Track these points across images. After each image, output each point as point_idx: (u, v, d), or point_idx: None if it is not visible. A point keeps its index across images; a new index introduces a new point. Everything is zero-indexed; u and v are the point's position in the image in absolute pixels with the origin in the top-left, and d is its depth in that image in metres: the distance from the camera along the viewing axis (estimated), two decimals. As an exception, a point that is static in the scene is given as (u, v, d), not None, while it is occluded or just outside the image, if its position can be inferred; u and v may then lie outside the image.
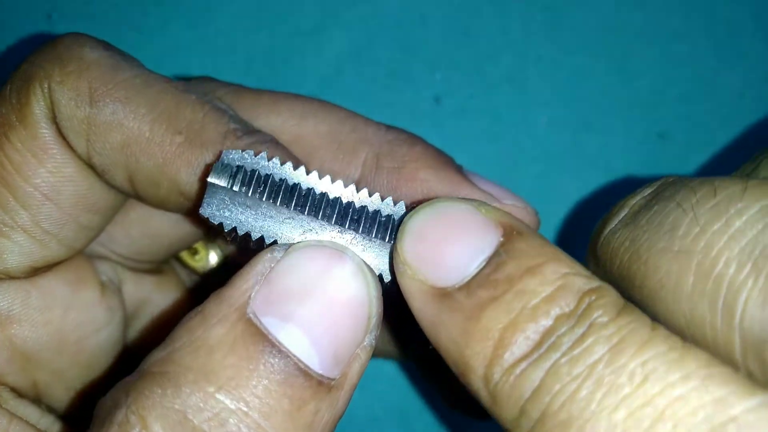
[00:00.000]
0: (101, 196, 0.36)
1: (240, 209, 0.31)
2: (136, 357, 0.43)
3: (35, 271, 0.36)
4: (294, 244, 0.30)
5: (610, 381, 0.23)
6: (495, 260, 0.27)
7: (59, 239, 0.36)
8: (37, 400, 0.37)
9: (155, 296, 0.43)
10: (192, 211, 0.35)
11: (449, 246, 0.28)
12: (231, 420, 0.26)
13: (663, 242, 0.24)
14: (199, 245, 0.45)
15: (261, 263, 0.29)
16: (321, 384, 0.28)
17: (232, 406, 0.26)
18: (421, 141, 0.37)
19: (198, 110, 0.34)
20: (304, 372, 0.27)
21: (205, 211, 0.31)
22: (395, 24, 0.59)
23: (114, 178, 0.35)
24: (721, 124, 0.57)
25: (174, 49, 0.59)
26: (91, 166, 0.35)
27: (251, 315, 0.28)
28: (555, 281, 0.25)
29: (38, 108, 0.34)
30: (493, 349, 0.25)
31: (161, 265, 0.45)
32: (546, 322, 0.25)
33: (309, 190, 0.31)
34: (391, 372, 0.56)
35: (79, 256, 0.39)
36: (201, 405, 0.26)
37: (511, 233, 0.27)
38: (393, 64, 0.58)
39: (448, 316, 0.27)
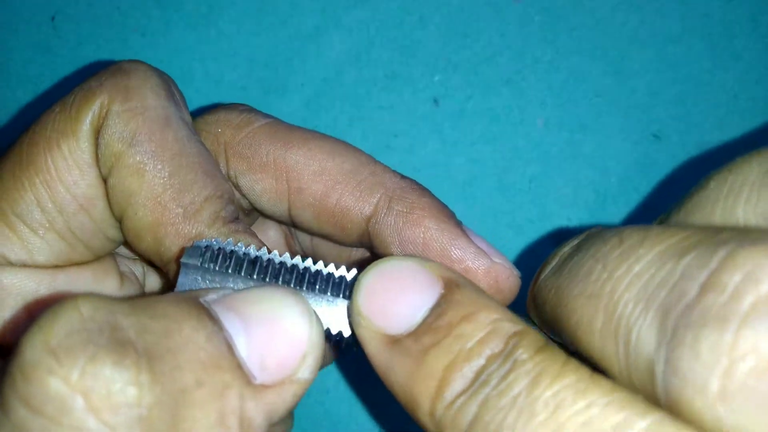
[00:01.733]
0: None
1: (211, 285, 0.34)
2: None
3: (59, 268, 0.39)
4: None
5: (529, 410, 0.26)
6: (437, 310, 0.31)
7: (86, 245, 0.39)
8: None
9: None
10: (163, 271, 0.39)
11: (398, 298, 0.32)
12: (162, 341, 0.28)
13: (578, 288, 0.28)
14: None
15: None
16: (243, 373, 0.29)
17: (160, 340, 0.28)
18: (429, 193, 0.41)
19: (203, 191, 0.37)
20: (231, 350, 0.29)
21: (180, 290, 0.34)
22: (394, 26, 0.59)
23: (114, 211, 0.38)
24: (716, 125, 0.57)
25: (176, 51, 0.60)
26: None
27: (203, 300, 0.30)
28: (486, 326, 0.29)
29: (89, 124, 0.37)
30: (437, 388, 0.29)
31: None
32: (479, 362, 0.28)
33: (269, 260, 0.35)
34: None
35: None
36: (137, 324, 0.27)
37: (450, 286, 0.31)
38: (392, 66, 0.59)
39: (398, 360, 0.30)
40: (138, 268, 0.44)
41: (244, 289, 0.33)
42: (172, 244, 0.37)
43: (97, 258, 0.40)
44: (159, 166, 0.36)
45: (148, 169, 0.36)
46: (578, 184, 0.57)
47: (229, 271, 0.34)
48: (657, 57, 0.58)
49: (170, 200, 0.37)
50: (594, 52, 0.58)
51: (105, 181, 0.37)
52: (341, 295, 0.35)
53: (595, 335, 0.26)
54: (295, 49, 0.59)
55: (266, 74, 0.59)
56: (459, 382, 0.28)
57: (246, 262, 0.35)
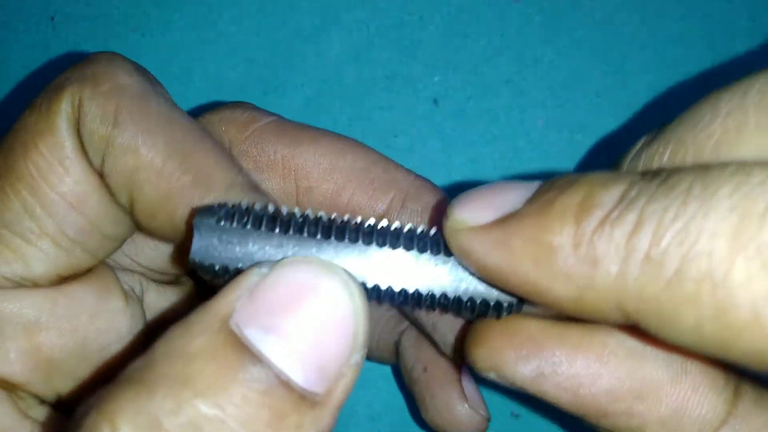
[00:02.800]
0: (123, 208, 0.37)
1: (228, 246, 0.30)
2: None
3: (61, 279, 0.37)
4: (282, 259, 0.30)
5: (712, 190, 0.22)
6: (546, 185, 0.27)
7: (84, 247, 0.36)
8: (57, 405, 0.38)
9: (178, 309, 0.44)
10: (179, 248, 0.36)
11: (501, 191, 0.28)
12: (206, 427, 0.25)
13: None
14: None
15: (248, 277, 0.29)
16: (303, 398, 0.27)
17: (209, 413, 0.25)
18: (443, 194, 0.40)
19: (211, 157, 0.35)
20: (286, 384, 0.27)
21: (196, 254, 0.30)
22: (394, 26, 0.59)
23: (119, 198, 0.36)
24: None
25: (175, 51, 0.60)
26: (103, 181, 0.36)
27: (234, 326, 0.27)
28: (610, 173, 0.26)
29: (65, 117, 0.34)
30: (576, 218, 0.25)
31: (180, 276, 0.45)
32: (622, 186, 0.25)
33: (291, 213, 0.31)
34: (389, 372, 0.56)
35: (103, 265, 0.39)
36: (175, 410, 0.25)
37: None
38: (392, 66, 0.59)
39: (515, 227, 0.26)
40: (137, 285, 0.41)
41: (266, 275, 0.29)
42: (185, 215, 0.34)
43: (98, 261, 0.38)
44: (152, 139, 0.34)
45: (140, 143, 0.34)
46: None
47: (248, 227, 0.30)
48: (657, 57, 0.58)
49: (174, 170, 0.34)
50: (594, 52, 0.58)
51: (100, 173, 0.35)
52: (375, 243, 0.30)
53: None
54: (294, 49, 0.59)
55: (265, 74, 0.59)
56: (604, 203, 0.24)
57: (266, 217, 0.30)
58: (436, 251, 0.30)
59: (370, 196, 0.39)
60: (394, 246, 0.30)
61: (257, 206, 0.31)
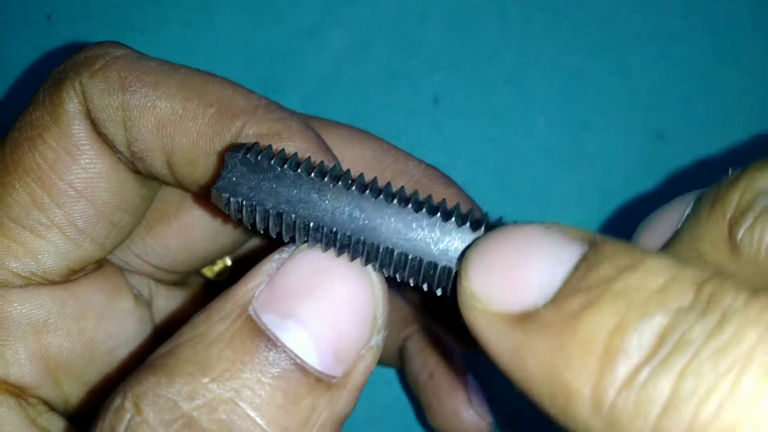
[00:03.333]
0: (132, 194, 0.37)
1: (260, 186, 0.29)
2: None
3: (71, 273, 0.37)
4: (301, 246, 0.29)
5: None
6: (582, 267, 0.23)
7: (92, 237, 0.36)
8: (65, 412, 0.37)
9: (186, 311, 0.44)
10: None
11: (526, 265, 0.24)
12: (221, 408, 0.26)
13: None
14: None
15: (269, 263, 0.29)
16: (319, 381, 0.28)
17: (224, 395, 0.27)
18: (454, 182, 0.40)
19: (227, 86, 0.35)
20: (301, 367, 0.27)
21: (221, 187, 0.29)
22: (394, 24, 0.59)
23: (153, 164, 0.35)
24: (720, 124, 0.57)
25: (173, 49, 0.59)
26: (131, 156, 0.36)
27: (252, 312, 0.28)
28: (662, 273, 0.21)
29: (71, 105, 0.35)
30: (600, 363, 0.21)
31: (187, 276, 0.45)
32: (663, 318, 0.20)
33: (322, 163, 0.29)
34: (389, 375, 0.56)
35: (113, 267, 0.39)
36: (192, 393, 0.27)
37: (595, 242, 0.24)
38: (392, 64, 0.58)
39: (534, 339, 0.22)
40: (145, 288, 0.41)
41: (286, 261, 0.29)
42: (221, 148, 0.34)
43: (106, 253, 0.38)
44: (164, 90, 0.34)
45: (155, 98, 0.34)
46: (581, 184, 0.57)
47: (278, 169, 0.28)
48: (660, 56, 0.58)
49: (197, 108, 0.34)
50: (596, 50, 0.58)
51: (129, 150, 0.35)
52: (426, 211, 0.28)
53: None
54: (293, 46, 0.59)
55: (264, 72, 0.59)
56: (636, 348, 0.20)
57: (295, 163, 0.29)
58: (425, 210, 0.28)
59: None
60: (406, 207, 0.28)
61: (289, 151, 0.30)
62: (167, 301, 0.43)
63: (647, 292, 0.21)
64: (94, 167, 0.35)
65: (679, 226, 0.31)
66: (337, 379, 0.28)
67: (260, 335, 0.28)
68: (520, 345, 0.23)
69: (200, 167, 0.35)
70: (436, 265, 0.28)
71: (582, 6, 0.58)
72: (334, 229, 0.28)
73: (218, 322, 0.28)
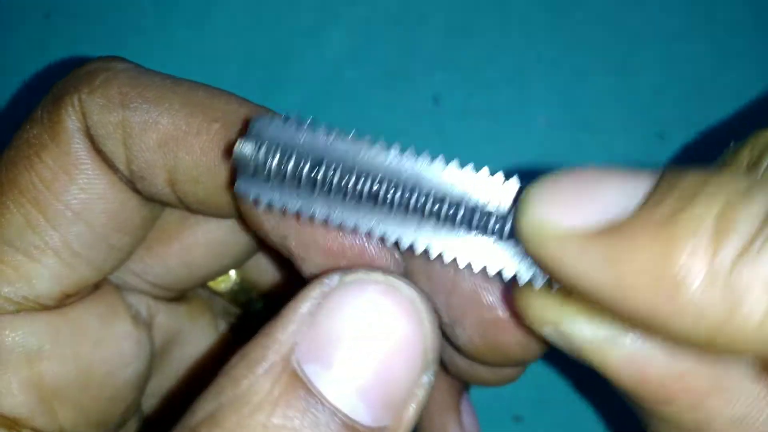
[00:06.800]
0: (132, 215, 0.36)
1: (296, 138, 0.27)
2: (171, 394, 0.42)
3: (66, 298, 0.35)
4: (344, 276, 0.28)
5: None
6: (665, 179, 0.22)
7: (89, 261, 0.35)
8: None
9: (187, 327, 0.43)
10: (240, 215, 0.34)
11: (601, 183, 0.23)
12: None
13: None
14: None
15: (307, 301, 0.28)
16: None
17: None
18: None
19: (232, 101, 0.34)
20: (352, 428, 0.26)
21: (255, 130, 0.28)
22: (394, 23, 0.59)
23: (154, 182, 0.34)
24: (721, 124, 0.57)
25: (172, 49, 0.59)
26: (131, 175, 0.34)
27: (296, 364, 0.26)
28: (742, 179, 0.21)
29: (70, 123, 0.33)
30: (713, 242, 0.20)
31: (189, 292, 0.44)
32: (765, 197, 0.20)
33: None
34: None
35: (110, 287, 0.38)
36: None
37: (666, 173, 0.23)
38: (392, 63, 0.58)
39: (630, 242, 0.21)
40: (143, 307, 0.40)
41: (325, 299, 0.27)
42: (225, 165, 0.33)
43: (103, 276, 0.37)
44: (166, 106, 0.33)
45: (157, 114, 0.33)
46: (581, 184, 0.56)
47: (315, 128, 0.27)
48: (661, 55, 0.57)
49: (200, 123, 0.33)
50: (597, 50, 0.58)
51: (128, 169, 0.34)
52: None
53: None
54: (292, 46, 0.59)
55: (263, 72, 0.59)
56: (746, 225, 0.20)
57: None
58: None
59: None
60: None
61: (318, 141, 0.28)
62: (168, 318, 0.42)
63: (739, 185, 0.21)
64: (92, 187, 0.34)
65: None
66: (388, 427, 0.27)
67: (307, 393, 0.26)
68: (611, 252, 0.21)
69: (203, 186, 0.34)
70: (490, 213, 0.27)
71: (582, 6, 0.58)
72: (383, 177, 0.27)
73: (262, 376, 0.26)
